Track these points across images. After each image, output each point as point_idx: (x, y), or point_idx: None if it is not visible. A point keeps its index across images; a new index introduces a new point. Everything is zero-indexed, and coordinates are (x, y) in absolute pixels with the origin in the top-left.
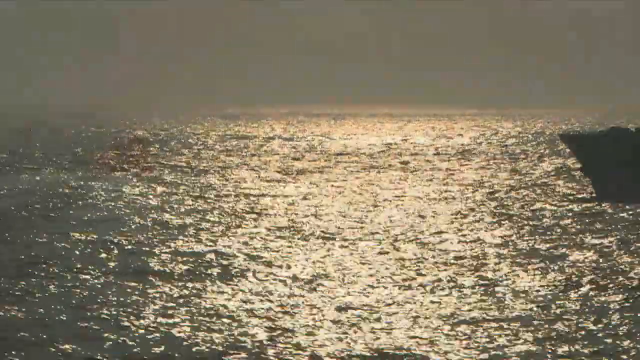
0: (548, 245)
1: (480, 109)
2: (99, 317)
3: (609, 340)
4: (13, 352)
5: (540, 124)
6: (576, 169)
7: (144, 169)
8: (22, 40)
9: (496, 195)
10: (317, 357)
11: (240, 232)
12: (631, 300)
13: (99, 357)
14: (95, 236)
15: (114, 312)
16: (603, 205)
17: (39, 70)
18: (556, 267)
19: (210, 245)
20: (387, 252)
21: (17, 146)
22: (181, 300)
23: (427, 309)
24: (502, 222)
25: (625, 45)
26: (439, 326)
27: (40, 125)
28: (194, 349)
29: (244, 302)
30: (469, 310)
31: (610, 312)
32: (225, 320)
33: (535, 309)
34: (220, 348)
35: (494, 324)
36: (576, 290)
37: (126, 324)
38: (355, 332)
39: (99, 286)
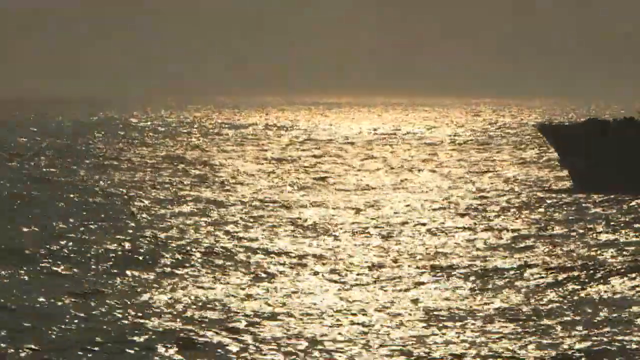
0: (519, 235)
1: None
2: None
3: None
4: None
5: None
6: (553, 160)
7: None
8: None
9: (473, 185)
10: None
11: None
12: (611, 289)
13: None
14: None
15: (117, 304)
16: (578, 195)
17: None
18: (530, 257)
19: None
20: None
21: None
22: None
23: (404, 304)
24: (477, 212)
25: None
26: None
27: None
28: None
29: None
30: (447, 303)
31: (591, 301)
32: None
33: (516, 300)
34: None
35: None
36: (557, 281)
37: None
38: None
39: (103, 275)
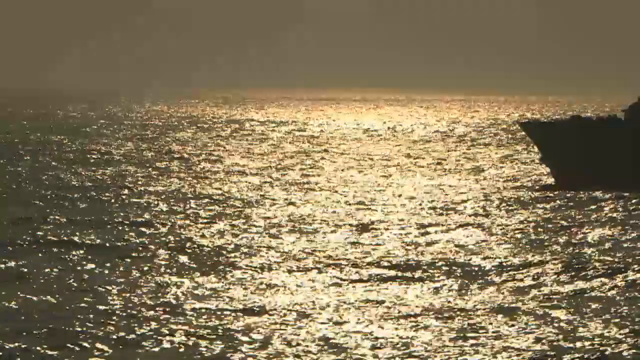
0: (497, 233)
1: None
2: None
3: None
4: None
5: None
6: (534, 157)
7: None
8: None
9: (453, 182)
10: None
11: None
12: (597, 286)
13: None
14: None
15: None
16: (559, 192)
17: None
18: (511, 256)
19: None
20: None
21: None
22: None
23: (398, 304)
24: (458, 209)
25: None
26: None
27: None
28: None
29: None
30: (439, 302)
31: (574, 297)
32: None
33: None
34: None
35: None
36: (537, 280)
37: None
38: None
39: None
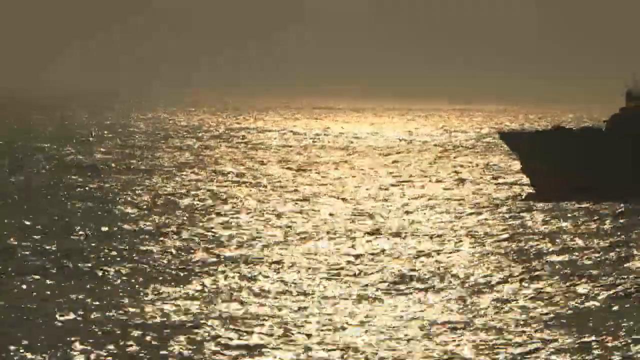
0: (475, 241)
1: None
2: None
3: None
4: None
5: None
6: (514, 167)
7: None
8: None
9: (436, 192)
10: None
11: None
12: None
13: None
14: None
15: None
16: (538, 203)
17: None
18: (494, 265)
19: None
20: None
21: None
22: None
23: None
24: (440, 218)
25: None
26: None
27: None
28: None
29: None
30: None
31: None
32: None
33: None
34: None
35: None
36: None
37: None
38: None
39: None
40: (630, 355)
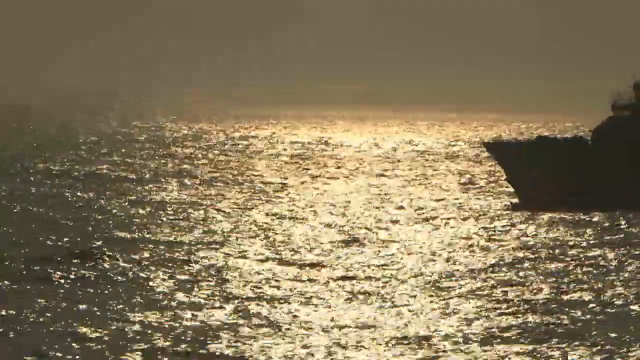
0: (459, 249)
1: None
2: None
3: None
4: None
5: None
6: (499, 177)
7: None
8: None
9: (418, 201)
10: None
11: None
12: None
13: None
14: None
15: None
16: (525, 212)
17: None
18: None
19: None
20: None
21: None
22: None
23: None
24: (417, 228)
25: None
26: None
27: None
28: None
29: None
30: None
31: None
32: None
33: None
34: None
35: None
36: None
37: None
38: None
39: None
40: None
